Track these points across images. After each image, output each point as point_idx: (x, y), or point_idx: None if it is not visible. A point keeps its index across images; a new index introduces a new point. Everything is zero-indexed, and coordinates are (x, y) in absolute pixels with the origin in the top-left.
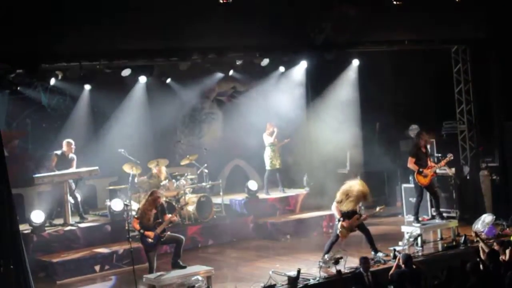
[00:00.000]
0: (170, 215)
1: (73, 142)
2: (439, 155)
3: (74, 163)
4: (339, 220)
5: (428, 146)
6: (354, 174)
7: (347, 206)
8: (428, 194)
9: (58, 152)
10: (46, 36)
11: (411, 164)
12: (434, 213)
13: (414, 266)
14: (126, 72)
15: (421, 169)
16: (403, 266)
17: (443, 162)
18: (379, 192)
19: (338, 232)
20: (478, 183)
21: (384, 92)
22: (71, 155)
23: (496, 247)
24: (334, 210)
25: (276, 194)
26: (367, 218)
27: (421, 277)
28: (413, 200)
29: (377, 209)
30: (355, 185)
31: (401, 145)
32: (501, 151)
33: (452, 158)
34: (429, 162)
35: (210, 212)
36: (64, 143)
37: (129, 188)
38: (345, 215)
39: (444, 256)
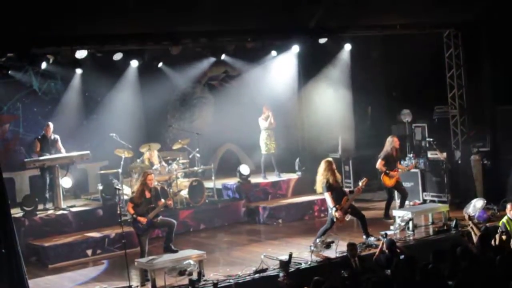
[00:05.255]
0: (163, 201)
1: (50, 124)
2: (431, 139)
3: (59, 143)
4: (332, 208)
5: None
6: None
7: (331, 179)
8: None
9: (39, 136)
10: (37, 19)
11: (379, 165)
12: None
13: (398, 251)
14: (117, 56)
15: (387, 171)
16: (386, 251)
17: (410, 167)
18: (370, 176)
19: (334, 219)
20: (469, 167)
21: (376, 76)
22: (53, 136)
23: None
24: (327, 199)
25: (272, 178)
26: (357, 194)
27: (415, 262)
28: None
29: (360, 183)
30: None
31: (393, 130)
32: (492, 136)
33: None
34: (398, 165)
35: (202, 197)
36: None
37: (120, 172)
38: (336, 199)
39: (435, 240)
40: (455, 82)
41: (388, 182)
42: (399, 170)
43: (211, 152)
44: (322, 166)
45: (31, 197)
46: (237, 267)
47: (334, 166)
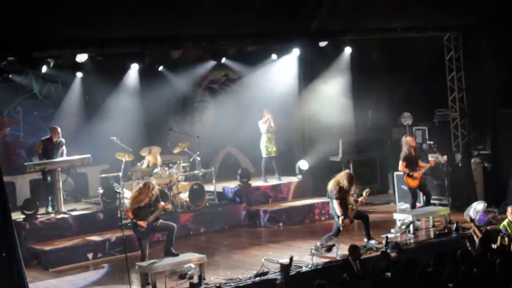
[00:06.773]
0: (163, 203)
1: (58, 128)
2: (431, 142)
3: (64, 147)
4: (339, 217)
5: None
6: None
7: (344, 190)
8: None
9: (44, 138)
10: (38, 23)
11: (401, 167)
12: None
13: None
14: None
15: (410, 173)
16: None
17: (431, 163)
18: (371, 179)
19: (341, 228)
20: (470, 170)
21: (376, 79)
22: (59, 139)
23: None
24: (336, 207)
25: (273, 181)
26: (360, 205)
27: (415, 265)
28: (405, 187)
29: (364, 193)
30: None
31: (393, 133)
32: (493, 138)
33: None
34: (419, 163)
35: (202, 200)
36: (50, 129)
37: (121, 175)
38: (344, 208)
39: (435, 243)
40: (455, 85)
41: (412, 183)
42: (421, 168)
43: (212, 156)
44: (344, 176)
45: (31, 200)
46: (238, 270)
47: (354, 181)
